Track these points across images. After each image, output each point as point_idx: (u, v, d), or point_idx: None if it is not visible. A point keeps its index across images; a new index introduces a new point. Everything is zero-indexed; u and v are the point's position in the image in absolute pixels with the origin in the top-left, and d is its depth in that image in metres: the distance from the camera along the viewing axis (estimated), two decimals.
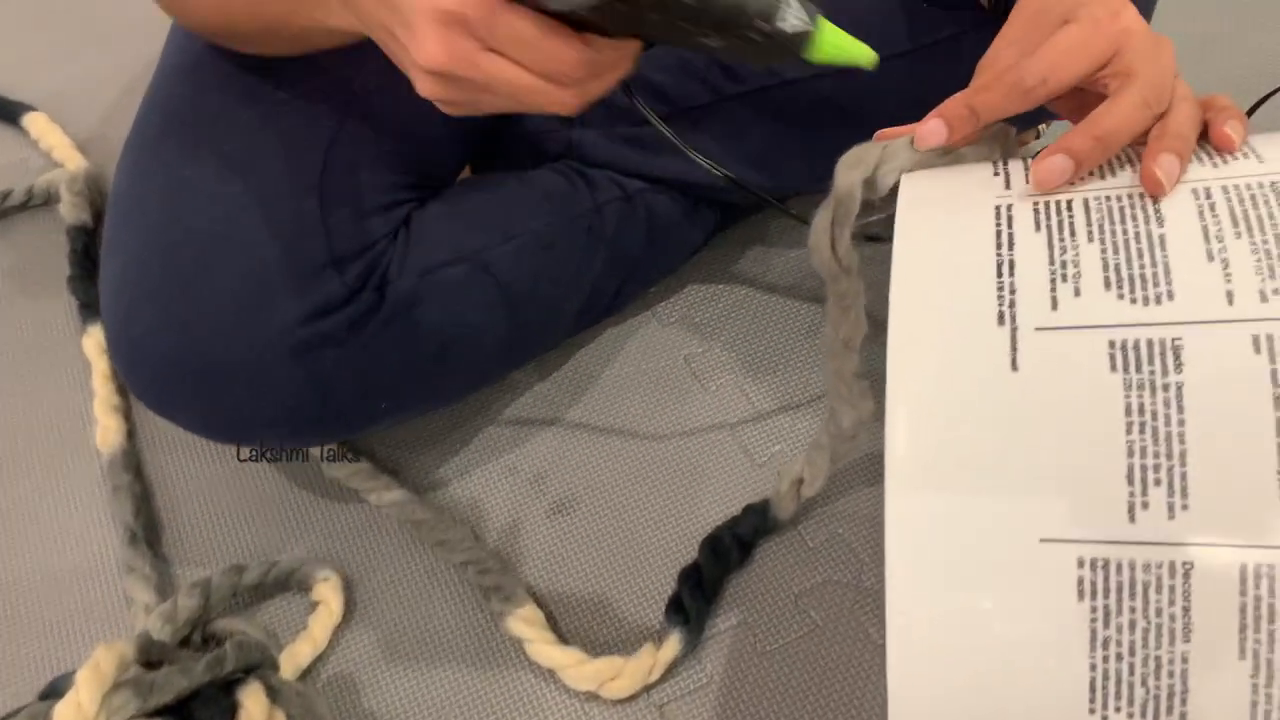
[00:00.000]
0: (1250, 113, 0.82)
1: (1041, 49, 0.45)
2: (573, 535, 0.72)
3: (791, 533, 0.71)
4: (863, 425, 0.58)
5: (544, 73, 0.46)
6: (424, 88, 0.47)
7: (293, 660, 0.65)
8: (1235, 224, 0.39)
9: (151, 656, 0.60)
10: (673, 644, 0.65)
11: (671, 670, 0.65)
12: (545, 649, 0.65)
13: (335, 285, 0.62)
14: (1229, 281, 0.38)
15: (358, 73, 0.65)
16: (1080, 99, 0.48)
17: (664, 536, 0.71)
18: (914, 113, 0.48)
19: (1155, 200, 0.41)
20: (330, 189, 0.63)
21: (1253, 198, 0.40)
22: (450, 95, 0.47)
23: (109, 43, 1.10)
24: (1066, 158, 0.42)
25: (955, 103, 0.47)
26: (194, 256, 0.61)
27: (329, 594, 0.68)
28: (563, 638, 0.67)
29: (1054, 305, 0.39)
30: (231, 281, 0.61)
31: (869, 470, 0.72)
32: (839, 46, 0.44)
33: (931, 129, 0.47)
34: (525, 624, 0.66)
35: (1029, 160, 0.46)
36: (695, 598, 0.67)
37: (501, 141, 0.77)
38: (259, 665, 0.61)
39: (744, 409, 0.77)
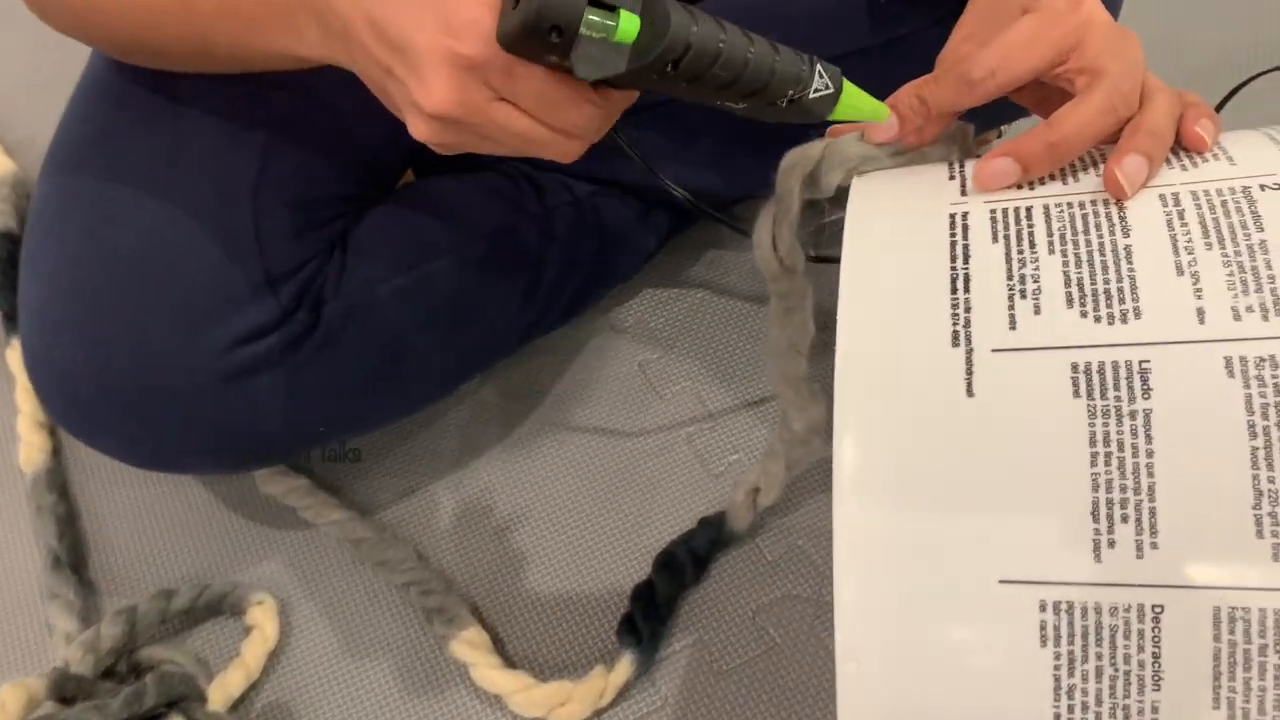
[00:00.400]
0: (1217, 110, 0.80)
1: (994, 41, 0.42)
2: (521, 552, 0.69)
3: (749, 546, 0.68)
4: (815, 430, 0.56)
5: (558, 127, 0.43)
6: (420, 130, 0.43)
7: (224, 690, 0.62)
8: (1206, 234, 0.37)
9: (66, 692, 0.56)
10: (625, 666, 0.62)
11: (624, 694, 0.63)
12: (491, 674, 0.62)
13: (269, 306, 0.58)
14: (1200, 298, 0.35)
15: (292, 79, 0.61)
16: (1043, 93, 0.45)
17: (616, 552, 0.68)
18: None
19: (1120, 206, 0.38)
20: (264, 203, 0.59)
21: (1224, 204, 0.37)
22: (448, 139, 0.43)
23: (41, 47, 1.04)
24: (1013, 162, 0.40)
25: (905, 93, 0.44)
26: (119, 278, 0.57)
27: (263, 618, 0.65)
28: (510, 661, 0.64)
29: (1012, 324, 0.36)
30: (158, 304, 0.57)
31: (829, 479, 0.69)
32: (858, 107, 0.43)
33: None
34: (470, 647, 0.63)
35: None
36: (648, 617, 0.64)
37: None
38: (184, 698, 0.58)
39: (700, 417, 0.74)
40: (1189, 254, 0.36)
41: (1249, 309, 0.34)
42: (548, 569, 0.68)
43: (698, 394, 0.75)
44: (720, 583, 0.67)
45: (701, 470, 0.72)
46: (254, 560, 0.69)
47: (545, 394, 0.76)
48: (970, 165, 0.43)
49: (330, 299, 0.61)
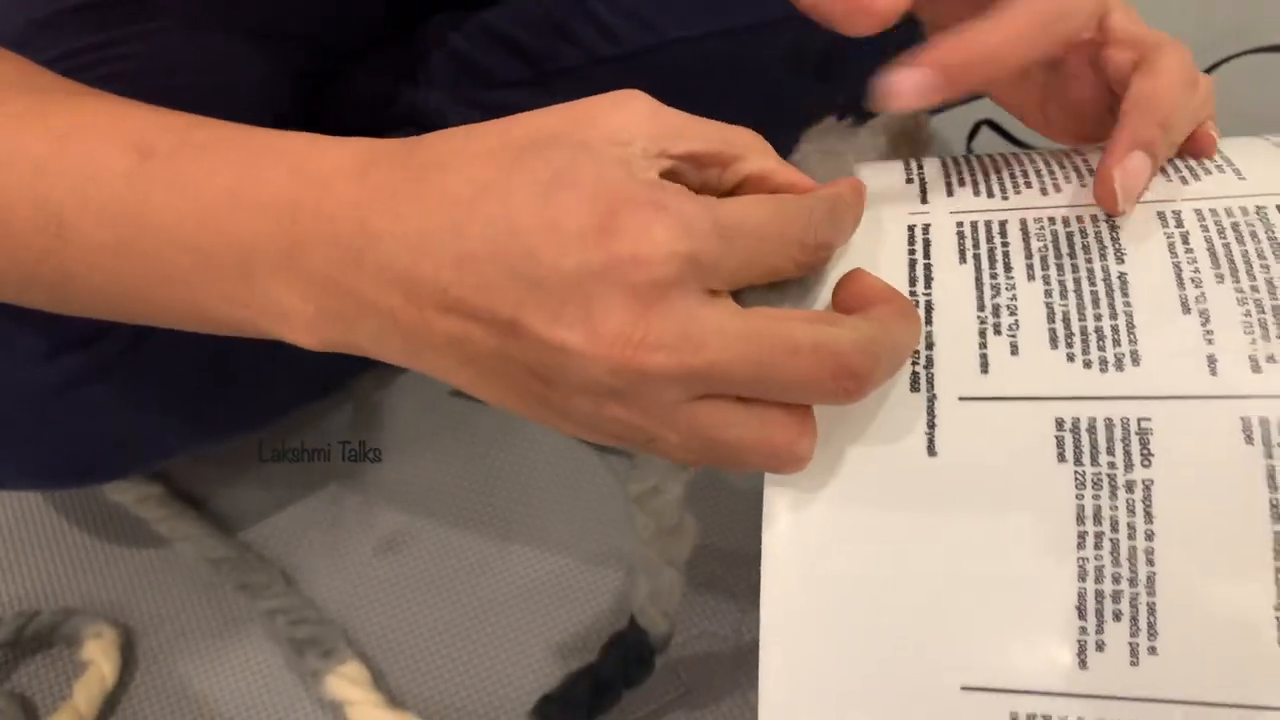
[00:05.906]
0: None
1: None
2: (406, 578, 0.61)
3: None
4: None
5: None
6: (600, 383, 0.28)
7: None
8: (1216, 263, 0.30)
9: None
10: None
11: None
12: (373, 713, 0.55)
13: None
14: (1210, 342, 0.29)
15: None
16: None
17: (515, 577, 0.61)
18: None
19: (1112, 225, 0.32)
20: None
21: (1235, 228, 0.31)
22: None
23: None
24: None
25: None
26: None
27: (100, 654, 0.56)
28: (395, 700, 0.56)
29: (984, 366, 0.30)
30: None
31: (751, 502, 0.63)
32: None
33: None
34: (348, 684, 0.56)
35: (950, 160, 0.37)
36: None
37: (331, 104, 0.65)
38: None
39: None
40: (1196, 287, 0.30)
41: (1270, 359, 0.28)
42: (436, 596, 0.60)
43: None
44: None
45: (621, 491, 0.64)
46: (93, 582, 0.60)
47: (437, 388, 0.68)
48: (930, 165, 0.36)
49: None
